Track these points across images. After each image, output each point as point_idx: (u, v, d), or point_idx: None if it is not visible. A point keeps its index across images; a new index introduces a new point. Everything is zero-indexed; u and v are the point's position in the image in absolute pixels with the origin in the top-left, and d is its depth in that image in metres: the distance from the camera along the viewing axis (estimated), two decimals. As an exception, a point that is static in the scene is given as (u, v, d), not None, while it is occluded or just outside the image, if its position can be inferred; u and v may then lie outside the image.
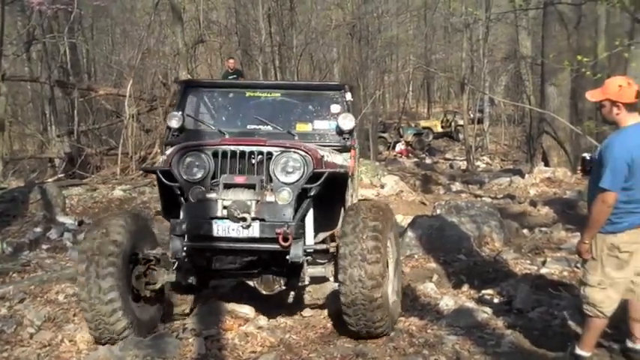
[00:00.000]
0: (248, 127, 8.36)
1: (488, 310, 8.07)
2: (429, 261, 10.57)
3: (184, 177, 6.95)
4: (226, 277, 8.27)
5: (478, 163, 31.74)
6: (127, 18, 34.39)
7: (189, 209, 6.87)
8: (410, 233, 11.30)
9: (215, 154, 7.02)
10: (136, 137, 20.90)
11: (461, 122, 38.45)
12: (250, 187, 6.87)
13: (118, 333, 6.93)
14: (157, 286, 7.41)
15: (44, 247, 11.48)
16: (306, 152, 7.00)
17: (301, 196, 6.97)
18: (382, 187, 19.14)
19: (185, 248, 6.91)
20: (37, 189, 14.36)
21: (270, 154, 7.03)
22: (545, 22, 21.59)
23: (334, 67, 34.90)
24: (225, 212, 6.74)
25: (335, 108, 8.38)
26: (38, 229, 12.27)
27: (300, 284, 7.38)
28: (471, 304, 8.33)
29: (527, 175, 20.45)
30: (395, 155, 35.67)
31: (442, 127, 43.51)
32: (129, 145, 20.32)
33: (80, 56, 29.63)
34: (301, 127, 8.33)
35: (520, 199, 17.15)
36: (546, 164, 20.73)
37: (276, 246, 6.73)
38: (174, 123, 8.15)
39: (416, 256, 10.75)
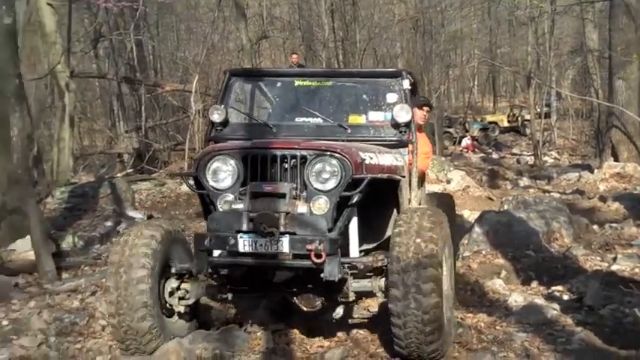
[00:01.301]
0: (297, 119, 7.58)
1: (558, 306, 7.97)
2: (497, 257, 10.47)
3: (211, 184, 6.43)
4: (262, 293, 7.32)
5: (546, 158, 31.33)
6: (191, 14, 34.68)
7: (214, 221, 6.32)
8: (477, 229, 11.21)
9: (245, 159, 6.40)
10: (203, 132, 21.06)
11: (528, 116, 37.99)
12: (281, 196, 6.18)
13: (150, 352, 6.47)
14: (191, 301, 6.82)
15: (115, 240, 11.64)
16: (344, 156, 6.26)
17: (341, 205, 6.29)
18: (448, 182, 19.05)
19: (209, 265, 6.39)
20: (107, 184, 14.61)
21: (304, 158, 6.32)
22: (613, 14, 21.25)
23: (398, 61, 34.76)
24: (252, 225, 6.10)
25: (391, 97, 7.47)
26: (109, 223, 12.47)
27: (343, 300, 6.60)
28: (540, 301, 8.23)
29: (596, 170, 20.19)
30: (461, 150, 35.47)
31: (509, 121, 43.06)
32: (195, 141, 20.51)
33: (146, 53, 30.04)
34: (354, 119, 7.53)
35: (589, 195, 16.93)
36: (616, 159, 20.44)
37: (307, 263, 6.05)
38: (217, 117, 7.47)
39: (483, 252, 10.66)
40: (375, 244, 7.03)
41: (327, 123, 7.39)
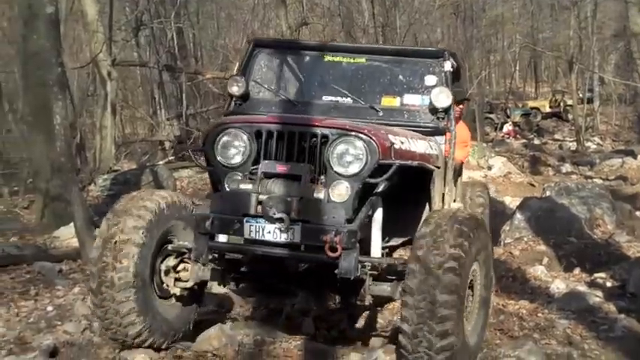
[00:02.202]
0: (324, 98, 6.84)
1: (601, 293, 7.92)
2: (539, 243, 10.40)
3: (220, 160, 5.75)
4: (270, 286, 6.73)
5: (588, 143, 31.08)
6: (231, 2, 34.73)
7: (218, 202, 5.65)
8: (519, 215, 11.14)
9: (258, 134, 5.68)
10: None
11: (570, 102, 37.59)
12: (296, 178, 5.47)
13: (132, 337, 5.86)
14: (189, 284, 6.11)
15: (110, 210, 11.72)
16: (371, 137, 5.49)
17: (365, 193, 5.57)
18: (490, 168, 18.97)
19: (210, 249, 5.74)
20: (149, 171, 14.75)
21: (325, 137, 5.55)
22: (657, -4, 20.95)
23: (439, 47, 34.60)
24: (260, 209, 5.38)
25: (430, 79, 6.75)
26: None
27: (359, 303, 6.02)
28: (582, 288, 8.20)
29: (639, 156, 19.93)
30: (502, 136, 35.20)
31: (550, 107, 42.68)
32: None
33: (187, 41, 30.13)
34: (387, 102, 6.78)
35: (632, 181, 16.77)
36: (660, 144, 20.17)
37: (321, 256, 5.31)
38: (236, 89, 6.78)
39: (525, 239, 10.59)
40: (402, 241, 6.38)
41: (358, 104, 6.70)
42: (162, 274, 6.08)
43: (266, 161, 5.57)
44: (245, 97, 6.85)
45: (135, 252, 5.74)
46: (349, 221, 5.41)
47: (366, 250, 5.64)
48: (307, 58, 7.27)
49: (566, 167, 22.08)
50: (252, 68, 7.10)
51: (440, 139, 6.62)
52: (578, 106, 33.43)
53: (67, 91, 13.44)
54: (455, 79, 7.23)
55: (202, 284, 6.30)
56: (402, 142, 5.81)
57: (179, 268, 6.14)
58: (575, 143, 30.64)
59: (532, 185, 17.22)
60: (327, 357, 6.19)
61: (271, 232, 5.40)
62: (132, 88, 29.74)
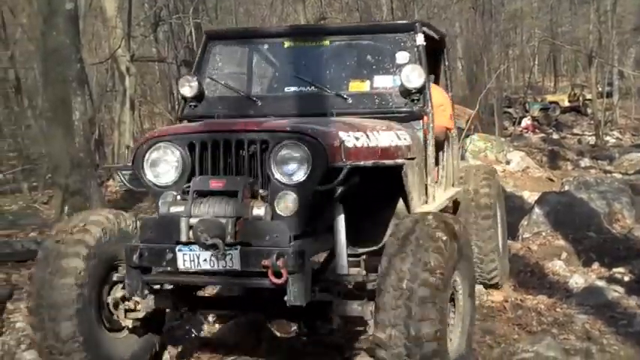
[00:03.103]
0: (286, 89, 6.25)
1: (620, 288, 7.88)
2: (558, 238, 10.36)
3: (150, 180, 5.07)
4: (225, 312, 6.29)
5: (608, 138, 30.92)
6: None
7: (147, 230, 4.88)
8: (537, 210, 11.10)
9: (192, 146, 4.97)
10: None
11: (589, 96, 37.41)
12: (231, 194, 4.71)
13: None
14: (141, 314, 5.35)
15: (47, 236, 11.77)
16: (316, 138, 4.74)
17: (319, 202, 4.87)
18: (508, 163, 18.92)
19: (144, 284, 5.00)
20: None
21: (265, 142, 4.82)
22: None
23: (457, 41, 34.47)
24: (193, 235, 4.65)
25: (401, 57, 6.03)
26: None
27: (327, 327, 5.37)
28: (601, 283, 8.15)
29: (659, 151, 19.85)
30: (521, 130, 35.04)
31: (569, 101, 42.42)
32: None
33: (205, 36, 30.23)
34: (356, 86, 6.10)
35: (652, 175, 16.66)
36: (680, 139, 20.08)
37: (265, 282, 4.59)
38: (188, 90, 6.16)
39: (544, 233, 10.55)
40: (376, 248, 5.56)
41: (324, 92, 6.04)
42: (111, 306, 5.35)
43: (197, 178, 4.86)
44: (199, 97, 6.26)
45: (78, 283, 5.04)
46: (298, 237, 4.71)
47: (330, 266, 5.14)
48: (266, 46, 6.73)
49: (585, 162, 22.01)
50: (207, 64, 6.52)
51: (417, 124, 5.98)
52: (598, 100, 33.26)
53: (86, 86, 13.53)
54: (437, 55, 7.07)
55: (160, 311, 5.56)
56: (357, 139, 5.05)
57: (128, 298, 5.34)
58: (594, 137, 30.52)
59: (551, 180, 17.17)
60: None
61: (207, 261, 4.65)
62: (150, 83, 29.85)
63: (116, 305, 5.36)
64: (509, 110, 38.22)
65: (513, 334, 6.62)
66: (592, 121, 33.84)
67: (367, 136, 5.18)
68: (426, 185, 5.99)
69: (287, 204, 4.75)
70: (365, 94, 6.06)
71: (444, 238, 4.69)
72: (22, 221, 11.79)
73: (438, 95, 6.87)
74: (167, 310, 5.68)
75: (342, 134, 4.93)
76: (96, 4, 19.49)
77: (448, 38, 7.11)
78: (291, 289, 4.58)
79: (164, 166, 5.02)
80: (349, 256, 5.15)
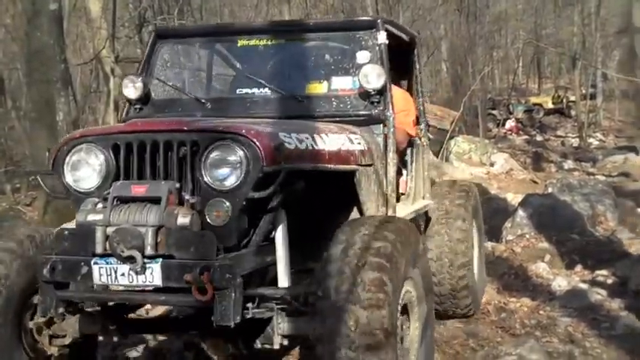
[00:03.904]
0: (238, 91, 5.78)
1: (603, 291, 7.91)
2: (541, 240, 10.38)
3: (71, 185, 4.52)
4: (155, 333, 5.82)
5: (591, 140, 31.07)
6: (234, -2, 34.81)
7: (61, 240, 4.33)
8: (521, 212, 11.13)
9: (116, 148, 4.46)
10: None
11: (573, 98, 37.59)
12: (154, 201, 4.22)
13: None
14: (68, 340, 4.70)
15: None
16: (251, 139, 4.24)
17: (256, 209, 4.39)
18: (492, 165, 18.98)
19: (59, 302, 4.42)
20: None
21: (195, 144, 4.32)
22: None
23: (442, 43, 34.56)
24: (109, 246, 4.15)
25: (362, 56, 5.54)
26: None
27: (267, 347, 4.59)
28: (584, 285, 8.18)
29: (642, 153, 19.97)
30: (505, 132, 35.15)
31: (553, 103, 42.59)
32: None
33: (190, 37, 30.22)
34: (313, 88, 5.68)
35: (635, 177, 16.76)
36: (662, 141, 20.22)
37: (190, 300, 4.11)
38: (132, 91, 5.67)
39: (527, 236, 10.57)
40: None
41: (278, 94, 5.59)
42: (35, 332, 4.69)
43: (118, 182, 4.37)
44: (145, 99, 5.76)
45: None
46: (232, 249, 4.26)
47: (271, 280, 4.62)
48: (217, 45, 6.29)
49: (569, 164, 22.11)
50: (155, 64, 6.00)
51: (376, 128, 5.48)
52: (581, 103, 33.43)
53: (70, 87, 13.48)
54: (405, 55, 6.54)
55: (90, 336, 4.90)
56: (299, 141, 4.56)
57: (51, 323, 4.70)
58: (577, 139, 30.68)
59: (534, 182, 17.22)
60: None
61: (126, 275, 4.13)
62: (135, 84, 29.77)
63: (39, 331, 4.69)
64: (494, 112, 38.32)
65: (497, 337, 6.65)
66: (576, 123, 33.99)
67: (313, 138, 4.70)
68: (386, 195, 5.43)
69: (218, 212, 4.24)
70: (322, 96, 5.63)
71: (392, 243, 4.22)
72: (5, 223, 11.72)
73: (402, 99, 6.44)
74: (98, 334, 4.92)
75: (282, 135, 4.46)
76: (80, 5, 19.40)
77: (419, 39, 6.79)
78: (218, 307, 4.06)
79: (86, 169, 4.49)
80: (299, 270, 4.74)
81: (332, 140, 4.87)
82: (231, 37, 6.13)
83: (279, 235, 4.48)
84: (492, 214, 12.32)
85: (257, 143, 4.23)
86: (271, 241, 4.52)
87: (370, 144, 5.30)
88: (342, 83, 5.62)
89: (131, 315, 5.24)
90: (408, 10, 32.25)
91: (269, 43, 5.93)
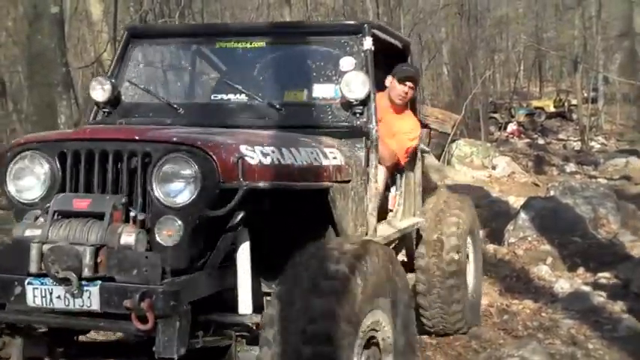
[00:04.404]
0: (213, 97, 5.45)
1: (605, 293, 7.93)
2: (543, 243, 10.38)
3: (13, 195, 4.10)
4: (106, 359, 4.92)
5: (593, 143, 31.05)
6: (235, 2, 34.83)
7: None
8: (523, 215, 11.12)
9: (63, 156, 4.02)
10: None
11: (574, 102, 37.61)
12: (97, 217, 3.79)
13: None
14: None
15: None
16: (207, 151, 3.80)
17: (213, 228, 3.93)
18: (494, 168, 18.97)
19: None
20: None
21: (147, 155, 3.88)
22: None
23: (443, 47, 34.59)
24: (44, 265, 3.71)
25: (346, 63, 5.08)
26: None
27: None
28: (586, 288, 8.19)
29: (643, 156, 19.97)
30: (507, 136, 35.15)
31: (555, 106, 42.61)
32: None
33: (191, 40, 30.26)
34: (293, 96, 5.29)
35: (637, 181, 16.76)
36: (664, 144, 20.23)
37: (130, 327, 3.60)
38: (100, 94, 5.25)
39: (529, 238, 10.57)
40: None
41: (254, 101, 5.15)
42: None
43: (60, 195, 3.93)
44: (114, 102, 5.34)
45: None
46: (183, 272, 3.81)
47: (230, 306, 4.11)
48: (194, 46, 5.83)
49: (571, 167, 22.08)
50: (127, 65, 5.58)
51: (358, 141, 4.98)
52: (583, 106, 33.43)
53: (72, 90, 13.46)
54: (392, 60, 5.99)
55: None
56: (264, 155, 4.05)
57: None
58: (579, 143, 30.66)
59: (536, 185, 17.20)
60: None
61: (61, 298, 3.67)
62: (136, 87, 29.84)
63: None
64: (495, 115, 38.35)
65: (499, 339, 6.64)
66: (577, 127, 33.97)
67: (280, 152, 4.18)
68: (366, 214, 4.98)
69: (169, 231, 3.81)
70: (301, 105, 5.19)
71: (344, 274, 3.74)
72: (7, 226, 11.70)
73: (412, 123, 6.08)
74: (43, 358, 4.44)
75: (243, 148, 3.95)
76: (81, 8, 19.45)
77: (413, 46, 6.35)
78: (161, 338, 3.59)
79: (29, 179, 4.06)
80: (264, 294, 4.38)
81: (303, 154, 4.38)
82: (210, 39, 5.71)
83: (241, 257, 4.01)
84: (494, 217, 12.33)
85: (213, 157, 3.80)
86: (233, 263, 4.05)
87: (349, 158, 4.82)
88: (323, 91, 5.15)
89: (81, 337, 4.74)
90: (409, 13, 32.29)
91: (249, 46, 5.48)
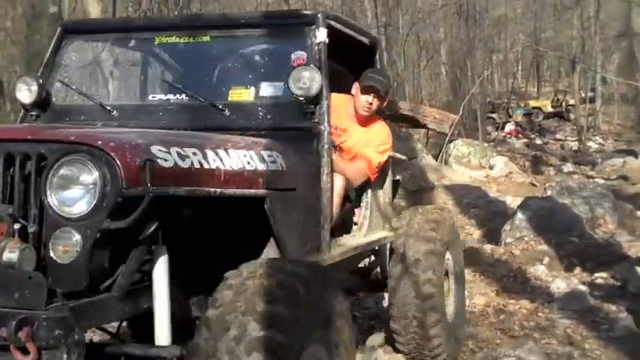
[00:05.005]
0: (151, 97, 5.02)
1: (602, 293, 7.94)
2: (540, 243, 10.39)
3: None
4: None
5: (590, 143, 31.09)
6: (234, 2, 34.83)
7: None
8: (520, 215, 11.13)
9: None
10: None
11: (572, 102, 37.69)
12: None
13: None
14: None
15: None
16: (108, 153, 3.20)
17: (122, 241, 3.36)
18: (491, 168, 18.96)
19: None
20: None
21: (42, 158, 3.28)
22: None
23: (441, 47, 34.63)
24: None
25: (297, 58, 4.62)
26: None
27: None
28: (583, 288, 8.20)
29: (641, 156, 20.00)
30: (504, 136, 35.16)
31: (552, 106, 42.67)
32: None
33: (190, 40, 30.27)
34: (238, 95, 4.73)
35: (634, 181, 16.77)
36: (661, 144, 20.25)
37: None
38: (26, 95, 4.78)
39: (526, 238, 10.58)
40: None
41: (196, 102, 4.65)
42: None
43: None
44: (43, 104, 4.86)
45: None
46: (80, 295, 3.23)
47: (145, 335, 3.62)
48: (132, 42, 5.33)
49: (568, 167, 22.09)
50: (60, 64, 5.09)
51: (308, 144, 4.46)
52: (580, 106, 33.50)
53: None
54: (356, 59, 5.52)
55: None
56: (181, 158, 3.48)
57: None
58: (576, 143, 30.69)
59: (534, 185, 17.20)
60: None
61: None
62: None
63: None
64: (493, 115, 38.36)
65: (496, 339, 6.65)
66: (575, 127, 34.04)
67: (204, 154, 3.65)
68: (317, 228, 4.42)
69: (65, 246, 3.21)
70: (247, 104, 4.68)
71: (284, 298, 3.17)
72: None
73: (383, 133, 5.48)
74: None
75: (155, 149, 3.39)
76: (80, 8, 19.40)
77: (380, 42, 5.80)
78: None
79: None
80: (184, 320, 3.90)
81: (233, 158, 3.82)
82: (148, 34, 5.15)
83: (158, 277, 3.44)
84: (491, 217, 12.36)
85: (116, 159, 3.19)
86: (143, 282, 3.58)
87: (293, 164, 4.25)
88: (271, 90, 4.70)
89: None
90: (407, 13, 32.30)
91: (191, 40, 4.99)
